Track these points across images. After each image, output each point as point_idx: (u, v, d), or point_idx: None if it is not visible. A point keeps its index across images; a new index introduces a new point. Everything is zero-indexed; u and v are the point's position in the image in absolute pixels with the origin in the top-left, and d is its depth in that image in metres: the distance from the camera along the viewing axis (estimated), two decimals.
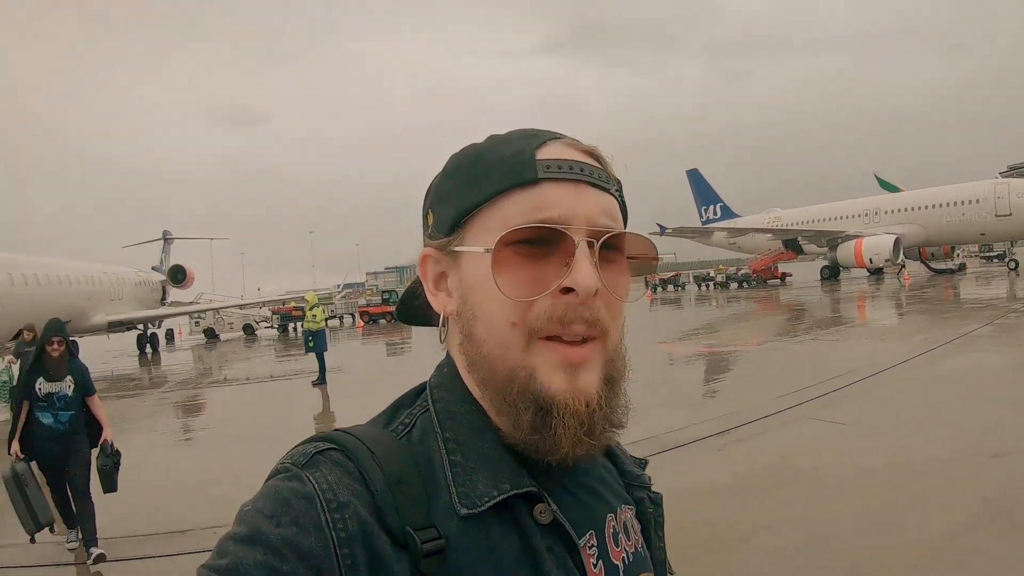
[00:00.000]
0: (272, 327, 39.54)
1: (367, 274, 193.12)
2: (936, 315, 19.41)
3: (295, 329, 38.34)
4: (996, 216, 35.64)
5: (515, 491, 0.75)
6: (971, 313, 18.69)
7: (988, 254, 52.32)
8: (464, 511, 0.73)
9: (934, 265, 41.13)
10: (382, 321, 39.22)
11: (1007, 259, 37.90)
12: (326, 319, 19.36)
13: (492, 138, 0.85)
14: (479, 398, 0.81)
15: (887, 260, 37.25)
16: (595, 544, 0.81)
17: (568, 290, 0.73)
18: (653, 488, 0.97)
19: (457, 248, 0.81)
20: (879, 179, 47.01)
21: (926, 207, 39.08)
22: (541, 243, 0.75)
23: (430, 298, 0.87)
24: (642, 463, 0.98)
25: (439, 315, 0.87)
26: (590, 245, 0.75)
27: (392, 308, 38.01)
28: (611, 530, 0.84)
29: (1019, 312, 17.83)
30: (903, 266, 37.78)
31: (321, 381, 14.73)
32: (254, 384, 17.32)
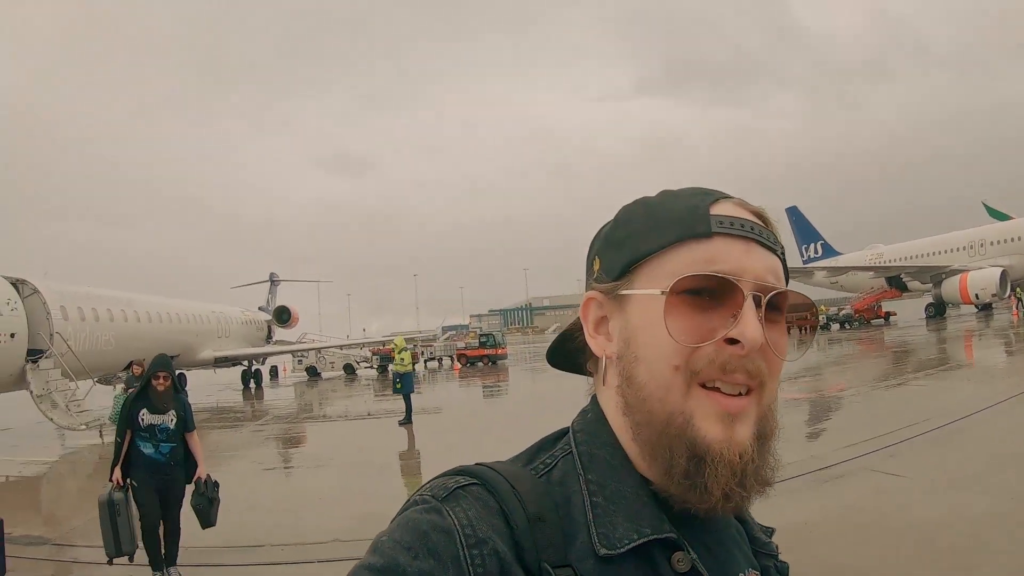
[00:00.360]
0: (372, 367, 40.15)
1: (471, 316, 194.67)
2: None
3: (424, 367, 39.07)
4: None
5: (656, 536, 0.75)
6: None
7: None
8: (603, 551, 0.73)
9: None
10: (479, 364, 39.20)
11: None
12: (414, 362, 20.27)
13: (664, 193, 0.88)
14: (625, 443, 0.82)
15: (993, 295, 35.04)
16: None
17: (733, 341, 0.75)
18: (780, 557, 0.95)
19: (625, 292, 0.83)
20: (988, 207, 44.10)
21: None
22: (710, 293, 0.77)
23: (589, 340, 0.89)
24: (769, 531, 0.97)
25: (596, 359, 0.90)
26: (756, 300, 0.77)
27: (490, 351, 39.33)
28: None
29: None
30: (1020, 299, 35.24)
31: (407, 421, 15.37)
32: (347, 421, 18.48)
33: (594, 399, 0.90)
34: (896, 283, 43.04)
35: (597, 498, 0.78)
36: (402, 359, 16.63)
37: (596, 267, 0.90)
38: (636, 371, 0.80)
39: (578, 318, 0.93)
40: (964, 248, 40.01)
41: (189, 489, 6.06)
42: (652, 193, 0.90)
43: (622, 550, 0.74)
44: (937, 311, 39.46)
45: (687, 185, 0.90)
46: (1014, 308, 34.40)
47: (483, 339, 41.69)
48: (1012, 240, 37.76)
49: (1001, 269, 35.47)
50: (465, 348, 41.84)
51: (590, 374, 0.95)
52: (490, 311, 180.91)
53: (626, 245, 0.85)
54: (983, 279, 35.68)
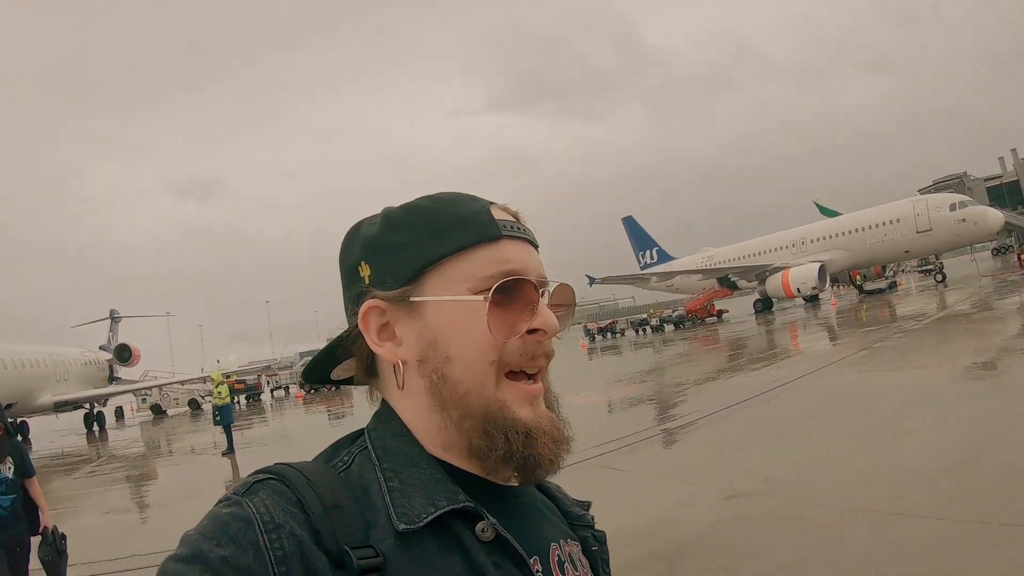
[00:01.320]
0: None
1: (328, 340, 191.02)
2: (819, 341, 20.35)
3: (239, 401, 38.60)
4: (917, 233, 36.43)
5: (452, 506, 0.80)
6: (859, 337, 18.83)
7: (925, 268, 53.13)
8: (403, 526, 0.77)
9: (866, 286, 41.86)
10: (323, 389, 39.29)
11: (934, 272, 38.55)
12: (234, 395, 20.18)
13: (432, 199, 0.91)
14: (421, 435, 0.87)
15: (814, 288, 37.90)
16: (540, 569, 0.85)
17: (533, 331, 0.86)
18: (596, 527, 1.02)
19: (422, 298, 0.87)
20: (819, 206, 47.95)
21: (850, 231, 40.00)
22: (508, 292, 0.85)
23: (376, 349, 0.90)
24: (585, 504, 1.05)
25: (372, 366, 0.94)
26: (542, 294, 0.89)
27: None
28: (556, 558, 0.88)
29: (906, 331, 18.08)
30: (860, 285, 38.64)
31: (230, 451, 15.51)
32: (173, 456, 18.70)
33: (385, 403, 0.93)
34: (726, 283, 45.51)
35: (393, 482, 0.82)
36: (219, 392, 16.87)
37: (365, 274, 0.90)
38: (451, 370, 0.85)
39: (348, 329, 0.94)
40: (788, 247, 42.92)
41: (35, 540, 5.53)
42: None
43: (421, 524, 0.78)
44: (764, 306, 42.08)
45: (456, 190, 0.94)
46: (832, 299, 37.17)
47: None
48: (832, 236, 40.91)
49: (820, 264, 38.29)
50: None
51: (365, 382, 0.97)
52: None
53: (408, 250, 0.87)
54: (803, 274, 38.37)
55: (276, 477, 0.80)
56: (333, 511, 0.77)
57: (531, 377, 0.88)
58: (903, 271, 38.55)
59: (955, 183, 43.87)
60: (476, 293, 0.85)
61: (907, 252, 38.98)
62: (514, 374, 0.87)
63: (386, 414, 0.91)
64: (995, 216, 35.41)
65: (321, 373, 1.01)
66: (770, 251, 43.86)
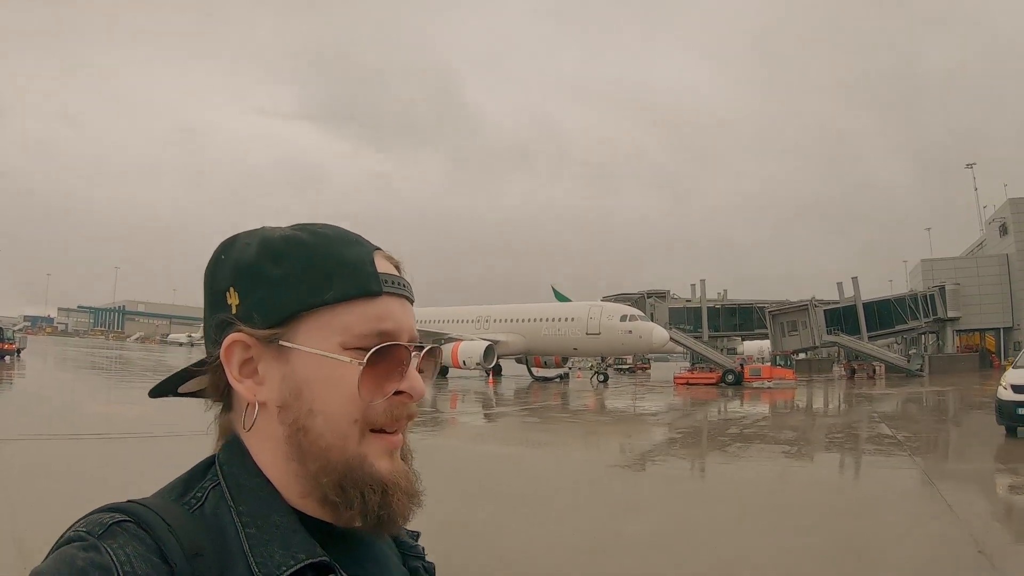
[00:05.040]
0: None
1: (59, 309, 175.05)
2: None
3: None
4: (587, 334, 38.19)
5: (310, 560, 0.78)
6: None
7: (621, 366, 56.27)
8: None
9: (536, 372, 43.25)
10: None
11: (595, 372, 41.06)
12: None
13: (315, 233, 0.87)
14: (275, 478, 0.83)
15: (477, 364, 38.59)
16: None
17: (400, 391, 0.85)
18: (427, 558, 1.02)
19: (291, 345, 0.83)
20: (555, 290, 49.58)
21: (530, 319, 41.35)
22: (381, 354, 0.82)
23: (234, 384, 0.85)
24: (415, 535, 1.03)
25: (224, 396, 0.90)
26: (415, 356, 0.88)
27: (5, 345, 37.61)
28: None
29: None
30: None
31: None
32: None
33: (236, 437, 0.88)
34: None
35: (251, 529, 0.79)
36: None
37: (233, 302, 0.85)
38: (312, 423, 0.82)
39: (208, 357, 0.89)
40: (474, 320, 43.70)
41: None
42: (288, 220, 0.92)
43: None
44: (441, 372, 41.76)
45: (319, 220, 0.92)
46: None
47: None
48: (513, 320, 42.18)
49: (488, 343, 39.14)
50: None
51: (215, 399, 0.92)
52: (79, 307, 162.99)
53: (285, 288, 0.83)
54: (472, 349, 39.12)
55: (132, 519, 0.74)
56: (194, 560, 0.73)
57: (394, 431, 0.87)
58: (607, 366, 40.35)
59: (636, 298, 46.81)
60: (348, 350, 0.83)
61: (575, 349, 40.60)
62: (375, 430, 0.85)
63: (239, 448, 0.86)
64: (660, 334, 37.76)
65: (168, 387, 0.97)
66: (457, 321, 44.00)
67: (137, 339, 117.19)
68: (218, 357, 0.85)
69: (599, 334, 38.01)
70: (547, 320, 40.61)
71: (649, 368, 58.46)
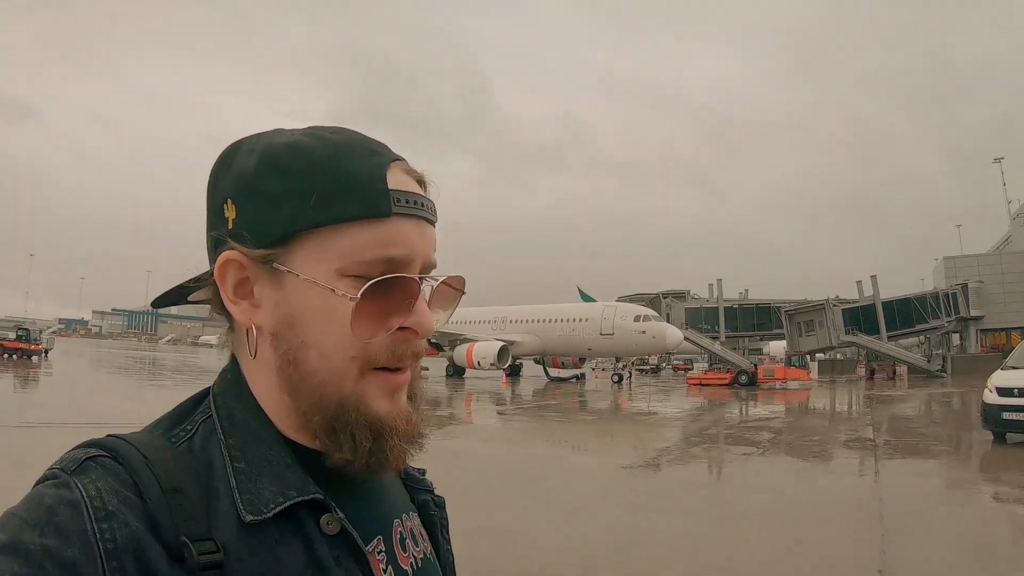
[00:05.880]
0: None
1: (94, 312, 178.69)
2: None
3: None
4: (601, 334, 38.44)
5: (302, 497, 0.73)
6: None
7: (642, 367, 56.20)
8: (249, 517, 0.70)
9: (552, 373, 43.55)
10: (14, 356, 40.61)
11: (612, 373, 41.11)
12: None
13: (323, 139, 0.77)
14: (270, 409, 0.79)
15: (492, 364, 38.95)
16: (383, 550, 0.82)
17: (405, 327, 0.77)
18: (436, 492, 0.98)
19: (285, 268, 0.75)
20: (580, 290, 49.83)
21: (545, 320, 41.61)
22: (382, 286, 0.74)
23: (229, 306, 0.79)
24: (421, 470, 0.99)
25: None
26: (427, 287, 0.81)
27: (24, 346, 40.85)
28: (398, 536, 0.85)
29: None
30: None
31: None
32: None
33: (235, 360, 0.83)
34: (433, 344, 45.46)
35: (240, 463, 0.74)
36: None
37: (230, 214, 0.77)
38: (306, 356, 0.76)
39: (206, 272, 0.83)
40: (490, 321, 44.02)
41: None
42: None
43: (268, 515, 0.71)
44: (456, 371, 42.23)
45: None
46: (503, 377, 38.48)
47: (20, 333, 43.16)
48: (528, 321, 42.54)
49: (502, 344, 39.50)
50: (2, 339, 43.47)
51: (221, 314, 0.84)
52: (113, 310, 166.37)
53: (283, 204, 0.75)
54: (486, 350, 39.50)
55: (109, 454, 0.70)
56: (172, 495, 0.69)
57: (397, 368, 0.80)
58: (623, 366, 40.59)
59: (651, 298, 46.80)
60: (347, 276, 0.75)
61: (590, 350, 40.96)
62: (380, 367, 0.78)
63: (234, 377, 0.82)
64: (673, 334, 37.85)
65: (172, 299, 0.89)
66: (474, 322, 44.25)
67: (169, 341, 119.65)
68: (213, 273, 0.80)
69: (613, 334, 38.23)
70: (562, 321, 40.83)
71: (691, 368, 57.82)
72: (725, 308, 46.40)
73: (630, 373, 40.39)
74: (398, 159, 0.81)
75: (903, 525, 7.73)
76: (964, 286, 46.34)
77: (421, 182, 0.82)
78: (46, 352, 44.44)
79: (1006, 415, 13.29)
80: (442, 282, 0.88)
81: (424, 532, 0.92)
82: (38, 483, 0.68)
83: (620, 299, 46.89)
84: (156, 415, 0.80)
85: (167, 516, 0.67)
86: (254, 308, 0.79)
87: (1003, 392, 13.44)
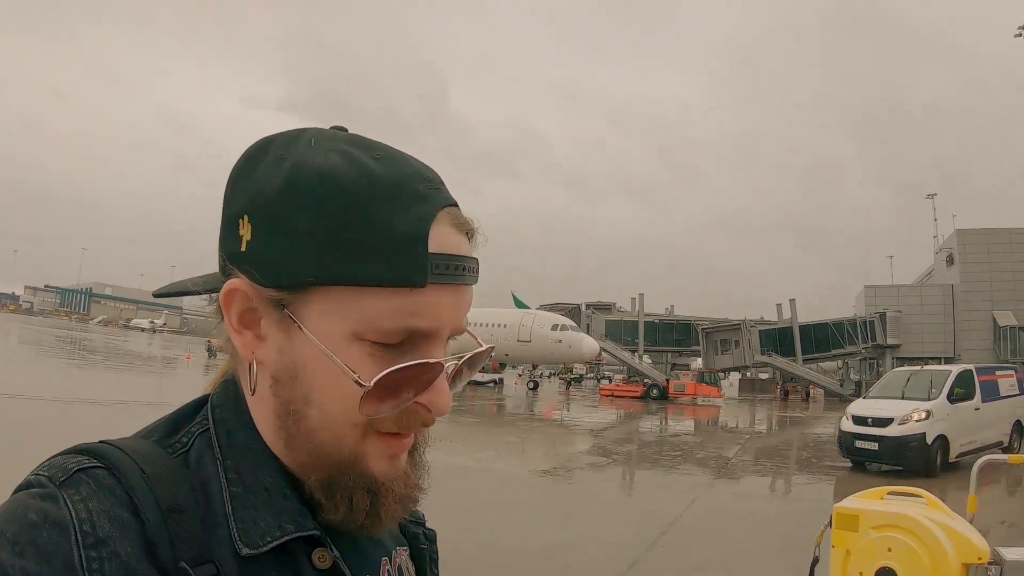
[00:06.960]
0: None
1: (26, 288, 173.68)
2: None
3: None
4: (518, 341, 37.98)
5: (299, 533, 0.68)
6: None
7: (565, 376, 56.39)
8: (245, 551, 0.65)
9: (477, 377, 43.09)
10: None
11: (528, 380, 41.71)
12: None
13: (364, 170, 0.65)
14: (267, 435, 0.71)
15: None
16: None
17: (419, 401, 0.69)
18: (427, 525, 0.93)
19: (296, 321, 0.66)
20: (515, 297, 49.40)
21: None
22: (407, 350, 0.67)
23: (231, 334, 0.71)
24: None
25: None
26: (450, 365, 0.71)
27: None
28: (386, 572, 0.80)
29: None
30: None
31: None
32: None
33: (234, 378, 0.76)
34: None
35: (236, 488, 0.68)
36: None
37: (245, 234, 0.67)
38: (307, 413, 0.68)
39: (214, 287, 0.73)
40: None
41: None
42: None
43: (264, 548, 0.66)
44: None
45: None
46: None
47: None
48: None
49: None
50: None
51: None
52: (47, 286, 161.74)
53: (305, 245, 0.64)
54: None
55: (102, 464, 0.63)
56: (171, 515, 0.63)
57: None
58: (540, 374, 40.60)
59: (571, 308, 46.96)
60: (362, 341, 0.66)
61: (507, 356, 40.43)
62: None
63: (235, 393, 0.74)
64: (590, 344, 37.87)
65: (178, 291, 0.82)
66: None
67: (99, 322, 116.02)
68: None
69: (530, 341, 37.89)
70: (482, 325, 39.66)
71: (611, 380, 58.42)
72: (646, 323, 46.70)
73: (568, 383, 40.06)
74: (449, 204, 0.69)
75: (679, 537, 7.95)
76: (883, 315, 47.20)
77: (469, 232, 0.71)
78: None
79: (858, 443, 13.24)
80: (469, 356, 0.75)
81: (412, 567, 0.86)
82: (19, 489, 0.61)
83: (542, 307, 46.90)
84: None
85: (165, 539, 0.61)
86: (258, 341, 0.70)
87: (858, 421, 13.39)
